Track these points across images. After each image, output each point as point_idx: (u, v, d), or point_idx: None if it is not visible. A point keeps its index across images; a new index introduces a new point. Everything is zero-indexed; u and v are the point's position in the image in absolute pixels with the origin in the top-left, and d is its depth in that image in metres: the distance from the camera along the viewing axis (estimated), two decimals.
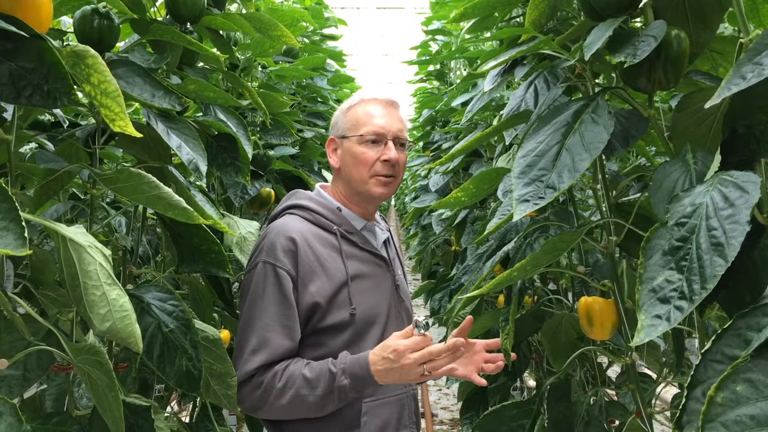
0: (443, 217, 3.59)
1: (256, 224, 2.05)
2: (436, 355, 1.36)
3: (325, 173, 3.53)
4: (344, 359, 1.44)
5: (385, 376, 1.39)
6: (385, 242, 1.72)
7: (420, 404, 4.58)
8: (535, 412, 1.48)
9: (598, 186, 1.53)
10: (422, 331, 1.34)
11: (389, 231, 1.79)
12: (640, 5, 1.23)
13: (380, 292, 1.61)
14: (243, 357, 1.48)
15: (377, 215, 1.77)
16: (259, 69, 2.82)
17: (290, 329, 1.48)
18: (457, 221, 3.23)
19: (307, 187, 3.03)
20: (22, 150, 1.68)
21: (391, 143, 1.58)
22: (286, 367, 1.46)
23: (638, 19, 1.28)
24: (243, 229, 2.01)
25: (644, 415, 1.41)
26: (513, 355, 1.62)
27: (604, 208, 1.52)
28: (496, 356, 1.52)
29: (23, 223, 0.85)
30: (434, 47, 4.34)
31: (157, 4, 1.78)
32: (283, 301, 1.48)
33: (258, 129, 2.73)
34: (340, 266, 1.55)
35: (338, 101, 4.00)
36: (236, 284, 3.00)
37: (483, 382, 1.47)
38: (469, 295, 1.37)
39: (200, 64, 1.97)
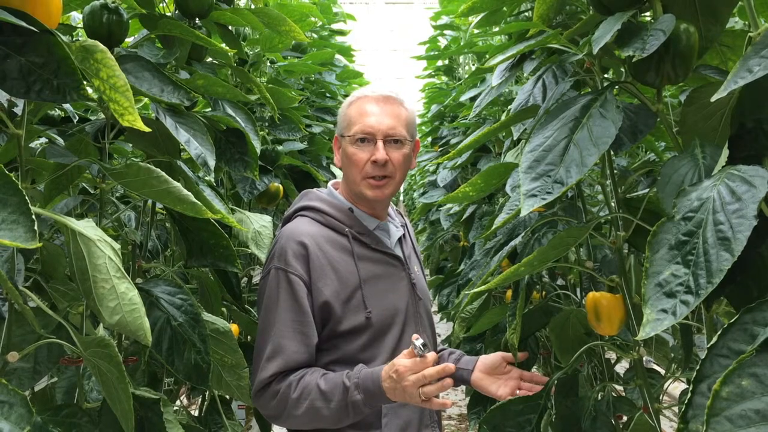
0: (451, 212, 3.58)
1: (268, 218, 2.06)
2: (429, 379, 1.32)
3: (333, 168, 3.54)
4: (359, 373, 1.42)
5: (393, 394, 1.37)
6: (401, 239, 1.69)
7: None
8: (542, 407, 1.48)
9: (607, 181, 1.53)
10: (422, 352, 1.32)
11: (405, 226, 1.75)
12: None
13: (396, 292, 1.58)
14: (260, 364, 1.47)
15: (392, 210, 1.73)
16: (268, 64, 2.83)
17: (305, 335, 1.46)
18: (465, 216, 3.23)
19: (315, 182, 3.04)
20: (32, 145, 1.69)
21: (380, 143, 1.53)
22: (301, 377, 1.43)
23: (647, 13, 1.28)
24: (256, 224, 2.01)
25: (652, 411, 1.41)
26: (522, 354, 1.62)
27: (612, 204, 1.51)
28: (531, 386, 1.54)
29: (33, 217, 0.86)
30: (443, 42, 4.33)
31: None
32: (296, 307, 1.46)
33: (266, 124, 2.74)
34: (352, 269, 1.52)
35: (346, 96, 4.00)
36: (245, 279, 3.01)
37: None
38: (476, 290, 1.37)
39: (209, 60, 1.98)
